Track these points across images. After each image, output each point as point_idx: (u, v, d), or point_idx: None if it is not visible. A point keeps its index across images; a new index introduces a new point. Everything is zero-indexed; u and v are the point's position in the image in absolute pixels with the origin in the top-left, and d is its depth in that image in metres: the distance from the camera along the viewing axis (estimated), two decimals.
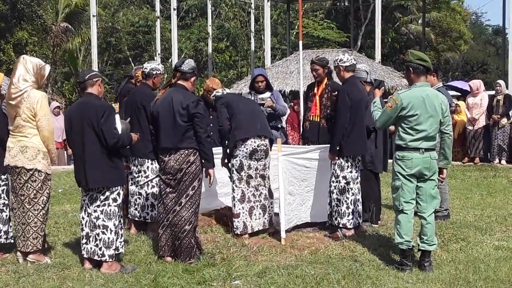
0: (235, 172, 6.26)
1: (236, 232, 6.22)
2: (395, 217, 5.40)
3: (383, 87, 5.77)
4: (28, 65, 5.38)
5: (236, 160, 6.24)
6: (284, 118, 10.68)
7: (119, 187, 5.26)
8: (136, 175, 6.57)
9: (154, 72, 6.59)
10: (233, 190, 6.31)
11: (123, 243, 5.38)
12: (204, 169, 5.50)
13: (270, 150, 6.43)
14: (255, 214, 6.31)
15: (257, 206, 6.33)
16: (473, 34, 44.50)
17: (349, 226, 6.38)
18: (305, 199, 6.67)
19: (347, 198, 6.37)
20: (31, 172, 5.36)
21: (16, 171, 5.39)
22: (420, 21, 34.64)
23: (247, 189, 6.27)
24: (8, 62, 26.06)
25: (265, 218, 6.40)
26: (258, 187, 6.32)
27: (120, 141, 5.18)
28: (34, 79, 5.39)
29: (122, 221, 5.31)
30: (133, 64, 31.24)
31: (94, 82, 5.31)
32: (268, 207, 6.43)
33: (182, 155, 5.39)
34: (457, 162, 12.40)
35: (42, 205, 5.45)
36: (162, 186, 5.58)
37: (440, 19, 37.42)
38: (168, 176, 5.47)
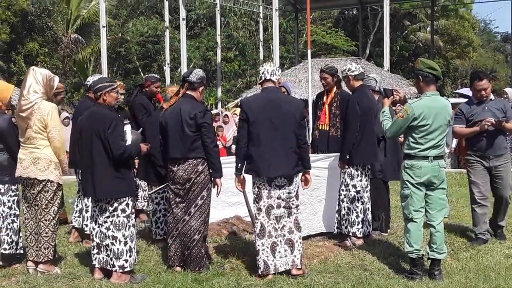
0: (254, 202, 5.48)
1: (258, 273, 5.35)
2: (405, 226, 5.38)
3: (392, 96, 5.75)
4: (38, 77, 5.43)
5: (254, 188, 5.45)
6: None
7: (127, 197, 5.27)
8: None
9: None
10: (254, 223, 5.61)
11: (135, 254, 5.38)
12: (212, 178, 5.51)
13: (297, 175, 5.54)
14: (279, 252, 5.36)
15: (280, 241, 5.38)
16: (481, 41, 44.39)
17: (358, 235, 6.37)
18: (317, 209, 6.64)
19: (357, 207, 6.37)
20: (43, 183, 5.40)
21: (29, 182, 5.42)
22: (428, 29, 34.63)
23: (267, 222, 5.37)
24: (19, 73, 26.31)
25: (294, 256, 5.37)
26: (280, 219, 5.39)
27: (126, 152, 5.18)
28: (44, 90, 5.44)
29: (133, 231, 5.32)
30: (142, 74, 31.42)
31: (98, 96, 5.34)
32: (297, 242, 5.42)
33: (191, 165, 5.41)
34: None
35: (53, 215, 5.48)
36: (171, 196, 5.59)
37: (449, 27, 37.41)
38: (177, 186, 5.49)
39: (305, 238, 6.50)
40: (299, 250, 5.40)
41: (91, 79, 6.63)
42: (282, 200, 5.36)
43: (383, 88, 6.07)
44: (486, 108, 6.36)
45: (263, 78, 5.45)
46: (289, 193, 5.37)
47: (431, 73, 5.26)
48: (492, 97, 6.45)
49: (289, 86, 7.95)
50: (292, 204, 5.40)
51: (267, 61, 5.80)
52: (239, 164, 5.41)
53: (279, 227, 5.38)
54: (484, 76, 6.36)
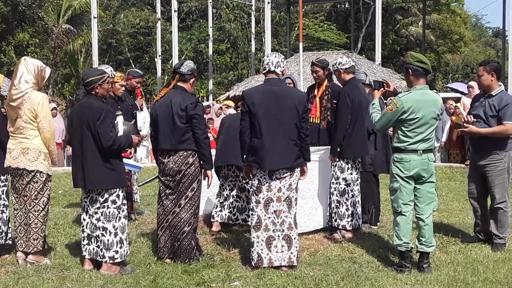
0: (253, 193, 5.42)
1: (251, 264, 5.36)
2: (394, 219, 5.40)
3: (382, 88, 5.74)
4: (29, 67, 5.40)
5: (254, 180, 5.40)
6: None
7: (118, 189, 5.26)
8: None
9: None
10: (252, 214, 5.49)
11: (128, 246, 5.38)
12: (202, 170, 5.50)
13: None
14: (275, 246, 5.31)
15: (278, 236, 5.32)
16: (473, 36, 44.53)
17: (348, 228, 6.39)
18: (318, 204, 6.63)
19: (347, 200, 6.39)
20: (33, 174, 5.38)
21: (18, 172, 5.40)
22: (420, 23, 34.69)
23: (265, 215, 5.33)
24: (9, 63, 26.14)
25: (291, 253, 5.31)
26: (279, 213, 5.34)
27: (115, 144, 5.15)
28: (35, 80, 5.41)
29: (125, 222, 5.31)
30: (133, 66, 31.29)
31: (91, 89, 5.29)
32: (295, 239, 5.36)
33: (181, 157, 5.40)
34: (456, 164, 12.39)
35: (43, 206, 5.46)
36: (161, 188, 5.58)
37: (441, 21, 37.49)
38: (168, 178, 5.48)
39: None
40: (296, 247, 5.36)
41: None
42: (283, 193, 5.32)
43: (373, 80, 6.06)
44: (484, 102, 6.00)
45: (267, 69, 5.42)
46: (290, 185, 5.34)
47: (421, 67, 5.27)
48: (497, 91, 5.88)
49: (295, 78, 7.91)
50: (292, 197, 5.36)
51: (273, 52, 5.68)
52: (243, 156, 5.41)
53: (278, 222, 5.32)
54: (480, 63, 6.13)
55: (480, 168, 6.07)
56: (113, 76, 6.59)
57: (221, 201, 6.68)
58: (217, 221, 6.66)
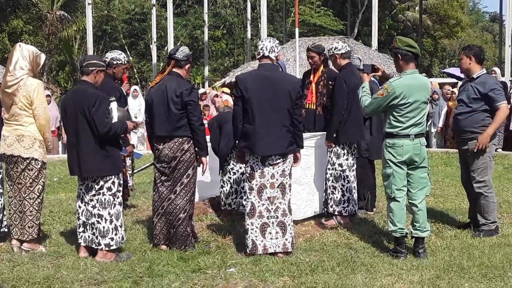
0: (246, 180, 5.43)
1: (246, 251, 5.37)
2: (387, 205, 5.40)
3: (373, 72, 5.68)
4: (24, 53, 5.36)
5: (247, 167, 5.40)
6: None
7: (113, 176, 5.24)
8: None
9: (115, 62, 6.55)
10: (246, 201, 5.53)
11: (124, 232, 5.38)
12: (197, 157, 5.48)
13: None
14: (270, 233, 5.30)
15: (272, 223, 5.31)
16: (470, 21, 44.38)
17: (344, 214, 6.39)
18: (314, 190, 6.62)
19: (343, 185, 6.38)
20: (28, 161, 5.35)
21: (12, 160, 5.37)
22: (417, 8, 34.55)
23: (258, 202, 5.32)
24: (3, 50, 25.98)
25: (286, 239, 5.31)
26: (273, 199, 5.32)
27: (112, 130, 5.14)
28: (30, 67, 5.37)
29: (119, 209, 5.30)
30: (128, 52, 31.12)
31: (90, 71, 5.27)
32: (289, 225, 5.36)
33: (176, 143, 5.38)
34: (453, 150, 12.38)
35: (38, 194, 5.44)
36: (157, 175, 5.57)
37: (437, 6, 37.34)
38: (163, 164, 5.46)
39: None
40: (291, 233, 5.34)
41: (109, 55, 6.60)
42: (276, 179, 5.29)
43: (363, 64, 6.03)
44: (466, 86, 5.99)
45: (261, 54, 5.38)
46: (283, 171, 5.31)
47: (410, 51, 5.24)
48: (478, 74, 5.88)
49: (283, 64, 7.87)
50: (286, 183, 5.33)
51: (267, 37, 5.65)
52: (236, 141, 5.35)
53: (272, 209, 5.30)
54: (462, 48, 6.14)
55: (463, 153, 6.07)
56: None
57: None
58: (234, 208, 6.71)
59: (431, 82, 6.01)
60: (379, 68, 5.71)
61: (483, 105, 5.83)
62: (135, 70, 30.41)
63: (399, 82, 5.20)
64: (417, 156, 5.24)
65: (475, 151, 5.84)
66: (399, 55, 5.27)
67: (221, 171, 6.75)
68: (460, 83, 12.35)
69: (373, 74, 5.68)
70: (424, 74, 5.45)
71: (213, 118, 7.46)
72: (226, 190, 6.72)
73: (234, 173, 6.66)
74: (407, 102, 5.14)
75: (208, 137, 6.16)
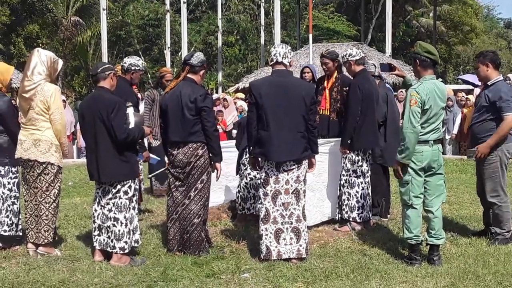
0: (261, 186, 5.41)
1: (260, 256, 5.36)
2: (403, 212, 5.36)
3: (391, 71, 5.66)
4: (42, 58, 5.42)
5: (262, 172, 5.40)
6: None
7: (130, 180, 5.28)
8: None
9: (133, 68, 6.73)
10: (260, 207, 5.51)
11: (139, 236, 5.42)
12: (212, 162, 5.50)
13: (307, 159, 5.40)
14: (284, 239, 5.29)
15: (286, 229, 5.30)
16: (484, 27, 44.12)
17: (358, 220, 6.38)
18: (326, 195, 6.60)
19: (357, 192, 6.37)
20: (44, 165, 5.40)
21: (29, 164, 5.42)
22: (431, 14, 34.43)
23: (273, 208, 5.31)
24: (18, 55, 26.21)
25: (300, 245, 5.29)
26: (288, 205, 5.31)
27: (130, 136, 5.19)
28: (48, 72, 5.43)
29: (134, 213, 5.34)
30: (142, 58, 31.28)
31: (106, 76, 5.32)
32: (303, 231, 5.35)
33: (191, 149, 5.40)
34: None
35: (53, 198, 5.49)
36: (171, 180, 5.59)
37: (452, 12, 37.15)
38: (177, 170, 5.48)
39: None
40: (305, 239, 5.32)
41: (127, 61, 6.75)
42: (291, 185, 5.28)
43: (380, 63, 6.02)
44: (481, 94, 5.92)
45: (274, 61, 5.39)
46: (297, 177, 5.30)
47: (429, 57, 5.21)
48: (493, 81, 5.78)
49: (315, 68, 7.79)
50: (300, 189, 5.32)
51: (280, 44, 5.68)
52: (250, 147, 5.38)
53: (286, 214, 5.29)
54: (475, 56, 6.03)
55: (478, 162, 5.99)
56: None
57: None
58: (252, 213, 6.67)
59: None
60: (395, 66, 5.72)
61: (492, 113, 5.75)
62: (149, 75, 30.56)
63: (422, 87, 5.14)
64: (435, 162, 5.21)
65: (474, 159, 5.77)
66: (418, 61, 5.24)
67: (238, 176, 6.75)
68: (476, 90, 12.34)
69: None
70: (441, 79, 5.41)
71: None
72: (244, 195, 6.71)
73: (251, 179, 6.67)
74: (429, 107, 5.12)
75: (234, 132, 6.19)
